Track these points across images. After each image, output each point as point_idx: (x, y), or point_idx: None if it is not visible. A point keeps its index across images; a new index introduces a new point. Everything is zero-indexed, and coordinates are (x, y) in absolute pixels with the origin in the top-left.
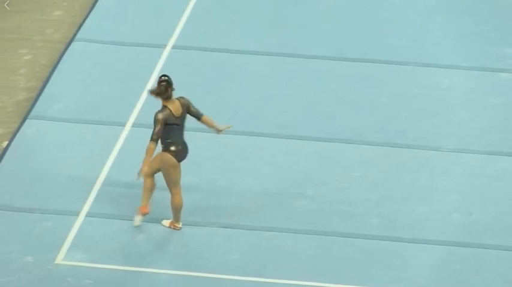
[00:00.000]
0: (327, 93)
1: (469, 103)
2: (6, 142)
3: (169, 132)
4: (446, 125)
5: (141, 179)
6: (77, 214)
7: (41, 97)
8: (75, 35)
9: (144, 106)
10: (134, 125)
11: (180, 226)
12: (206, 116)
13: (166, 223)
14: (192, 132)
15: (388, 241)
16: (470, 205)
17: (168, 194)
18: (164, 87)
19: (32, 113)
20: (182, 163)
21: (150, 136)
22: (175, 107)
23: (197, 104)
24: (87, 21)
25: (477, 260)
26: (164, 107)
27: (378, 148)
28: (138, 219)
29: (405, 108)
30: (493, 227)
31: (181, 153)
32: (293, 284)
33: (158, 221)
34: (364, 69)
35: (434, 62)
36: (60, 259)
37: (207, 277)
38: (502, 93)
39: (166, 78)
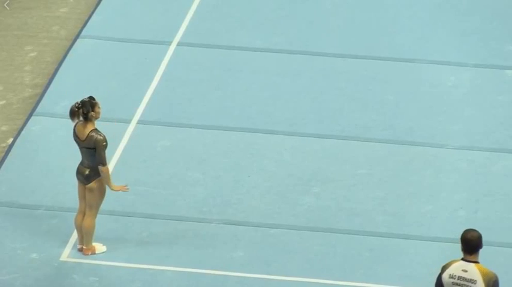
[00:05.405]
0: (333, 90)
1: (475, 101)
2: (12, 139)
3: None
4: (452, 122)
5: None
6: None
7: (46, 94)
8: (80, 31)
9: (149, 103)
10: (140, 122)
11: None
12: (103, 167)
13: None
14: (198, 129)
15: (394, 239)
16: (476, 202)
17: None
18: (76, 108)
19: (38, 110)
20: (187, 159)
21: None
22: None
23: (203, 101)
24: (92, 18)
25: (483, 257)
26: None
27: (384, 145)
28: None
29: (411, 106)
30: (498, 224)
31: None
32: (298, 281)
33: (162, 218)
34: (370, 67)
35: (441, 59)
36: (65, 256)
37: (213, 274)
38: (509, 90)
39: (85, 99)
